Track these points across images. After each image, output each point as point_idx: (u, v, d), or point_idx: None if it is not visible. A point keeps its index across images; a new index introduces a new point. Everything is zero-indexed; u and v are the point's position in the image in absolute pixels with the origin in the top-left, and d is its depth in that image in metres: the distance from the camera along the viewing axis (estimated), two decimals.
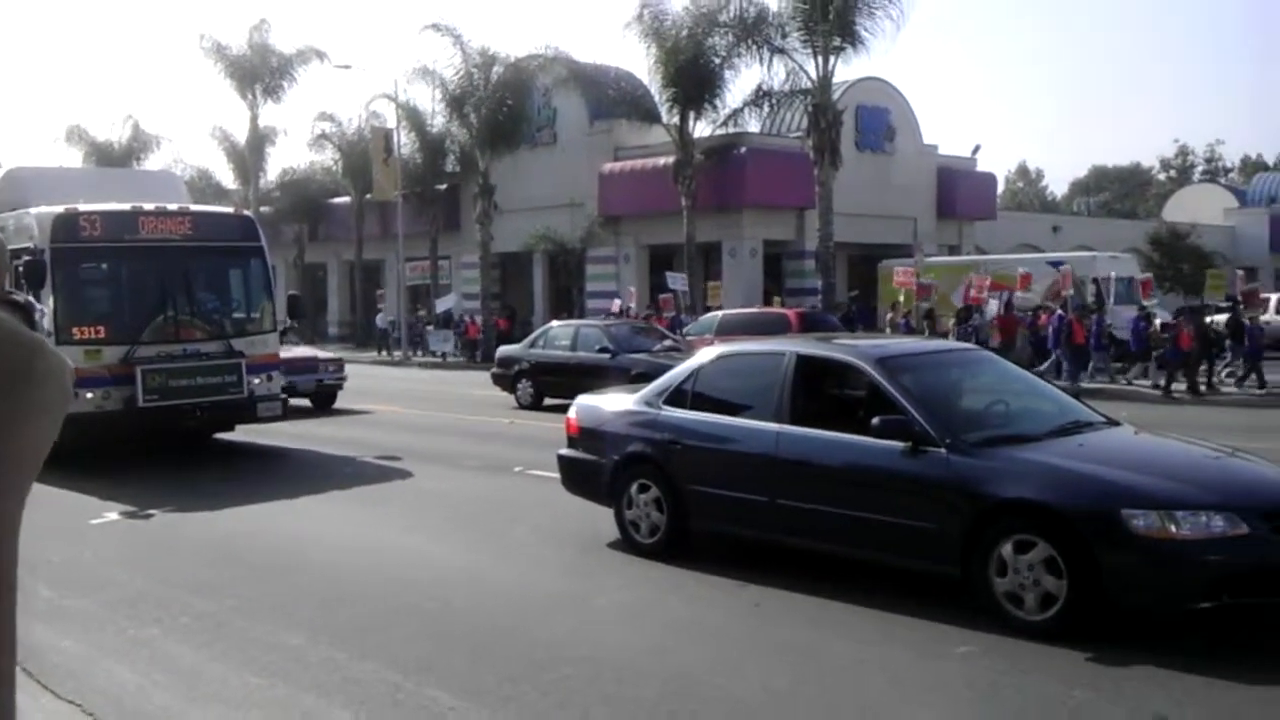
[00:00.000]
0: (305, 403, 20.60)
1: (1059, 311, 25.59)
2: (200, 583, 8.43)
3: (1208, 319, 24.48)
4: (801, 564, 8.13)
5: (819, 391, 8.66)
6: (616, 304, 34.40)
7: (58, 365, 0.65)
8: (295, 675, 6.27)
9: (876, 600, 7.39)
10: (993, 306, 27.37)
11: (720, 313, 28.38)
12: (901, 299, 29.39)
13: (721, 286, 34.18)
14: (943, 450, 7.17)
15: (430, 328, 39.72)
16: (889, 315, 28.92)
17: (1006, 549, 6.73)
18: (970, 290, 28.07)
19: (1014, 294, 27.87)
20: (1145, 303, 25.75)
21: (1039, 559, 6.62)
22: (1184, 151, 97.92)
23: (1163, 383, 22.76)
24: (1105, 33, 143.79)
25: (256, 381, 14.69)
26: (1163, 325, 23.17)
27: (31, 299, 0.96)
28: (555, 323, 24.19)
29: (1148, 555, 6.36)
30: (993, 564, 6.79)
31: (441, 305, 40.77)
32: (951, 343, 10.76)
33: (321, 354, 23.52)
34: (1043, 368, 25.58)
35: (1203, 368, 23.20)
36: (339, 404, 21.44)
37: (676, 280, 33.36)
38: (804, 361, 8.45)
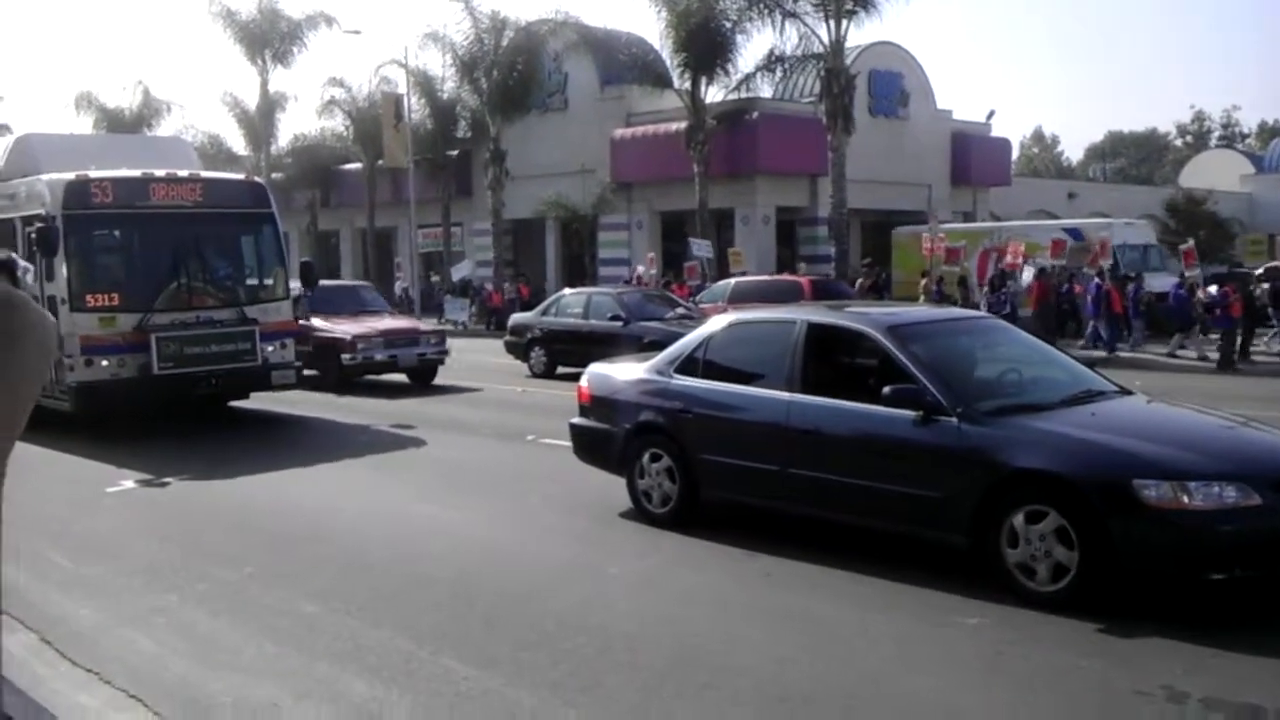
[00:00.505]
0: (400, 378, 19.89)
1: (1096, 280, 25.34)
2: (216, 551, 8.50)
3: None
4: (812, 533, 8.15)
5: (830, 360, 8.65)
6: (640, 269, 34.02)
7: (36, 321, 0.64)
8: (310, 643, 6.33)
9: (886, 570, 7.41)
10: (1027, 274, 27.09)
11: (733, 280, 28.29)
12: (931, 266, 29.05)
13: (743, 252, 33.91)
14: (954, 419, 7.17)
15: (448, 295, 39.61)
16: (923, 282, 28.51)
17: (1018, 519, 6.74)
18: (1006, 257, 27.85)
19: (1050, 261, 27.63)
20: (1188, 272, 25.38)
21: (1050, 529, 6.62)
22: (1200, 117, 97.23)
23: (1217, 353, 22.22)
24: None
25: (270, 349, 14.74)
26: (1219, 293, 22.51)
27: (14, 256, 0.95)
28: (568, 290, 24.15)
29: (1159, 526, 6.35)
30: (1004, 534, 6.79)
31: (457, 273, 40.65)
32: (964, 311, 10.73)
33: (423, 325, 22.33)
34: (1083, 339, 25.44)
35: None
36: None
37: (700, 247, 33.03)
38: (815, 330, 8.43)
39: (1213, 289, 23.15)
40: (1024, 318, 24.52)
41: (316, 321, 18.73)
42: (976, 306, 23.09)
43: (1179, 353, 23.59)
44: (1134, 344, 24.44)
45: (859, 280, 30.10)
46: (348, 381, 18.89)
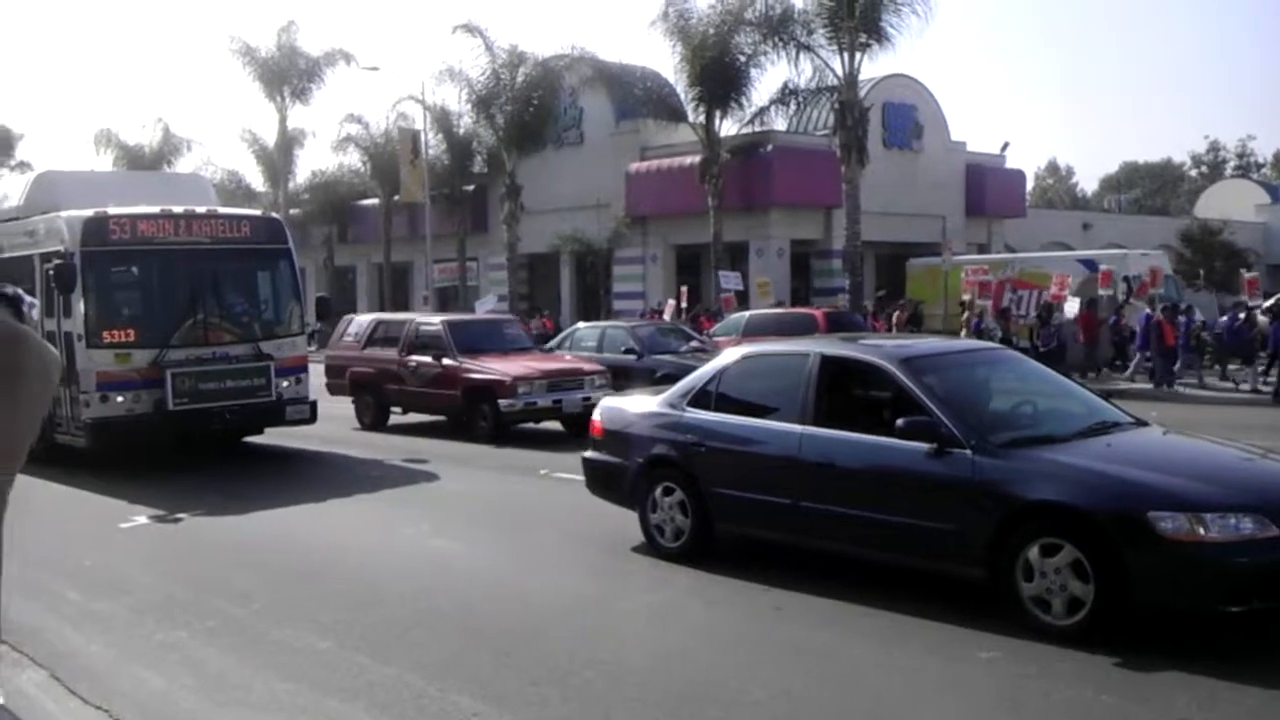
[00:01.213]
0: (556, 425, 17.36)
1: (1147, 311, 25.01)
2: (228, 586, 8.49)
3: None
4: (825, 567, 8.09)
5: (843, 392, 8.61)
6: (670, 305, 33.63)
7: (38, 355, 0.63)
8: (321, 679, 6.30)
9: (899, 604, 7.35)
10: (1074, 305, 26.77)
11: (748, 313, 28.24)
12: (967, 299, 28.18)
13: (771, 283, 33.50)
14: (968, 451, 7.12)
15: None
16: (964, 315, 27.81)
17: (1033, 552, 6.68)
18: (1051, 289, 27.47)
19: (1101, 292, 27.28)
20: (1251, 302, 24.96)
21: (1066, 562, 6.56)
22: (1215, 147, 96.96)
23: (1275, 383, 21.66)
24: (1136, 29, 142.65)
25: (285, 384, 14.78)
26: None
27: (20, 291, 0.94)
28: (582, 324, 24.14)
29: (1176, 558, 6.29)
30: (1019, 567, 6.73)
31: (481, 307, 40.26)
32: (977, 342, 10.69)
33: (586, 364, 18.04)
34: (1129, 370, 25.17)
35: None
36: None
37: (730, 279, 32.76)
38: (828, 362, 8.41)
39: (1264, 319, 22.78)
40: (1073, 350, 24.34)
41: (464, 361, 16.95)
42: (1010, 341, 22.72)
43: (1231, 384, 23.19)
44: (1182, 376, 24.08)
45: (895, 313, 29.41)
46: (505, 432, 16.54)
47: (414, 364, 17.80)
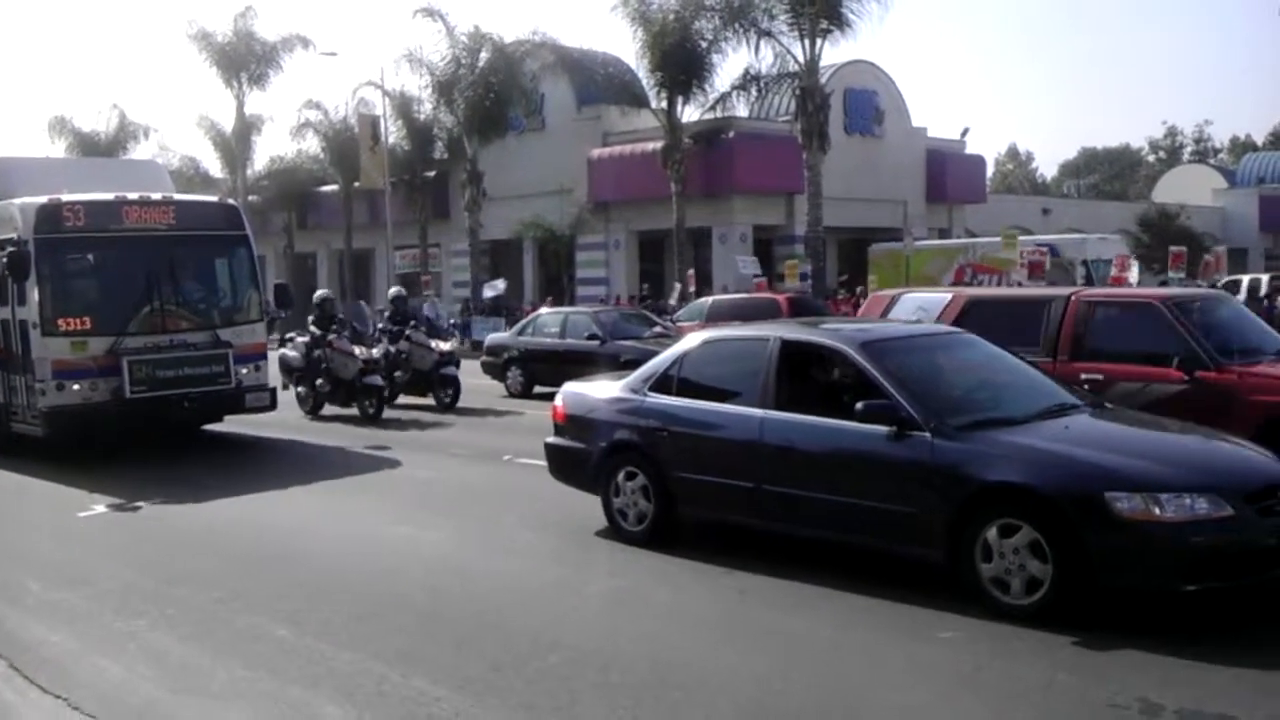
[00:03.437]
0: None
1: None
2: (188, 574, 8.43)
3: None
4: (787, 550, 8.14)
5: (804, 376, 8.64)
6: (677, 288, 33.02)
7: None
8: (282, 667, 6.27)
9: (860, 585, 7.40)
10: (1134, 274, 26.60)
11: (711, 298, 28.26)
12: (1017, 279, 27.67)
13: (799, 264, 32.65)
14: (927, 434, 7.17)
15: (476, 316, 37.63)
16: None
17: (991, 533, 6.75)
18: (1111, 272, 27.37)
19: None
20: (1214, 280, 25.06)
21: (1024, 543, 6.63)
22: (1173, 132, 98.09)
23: None
24: (1094, 14, 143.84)
25: (244, 371, 14.66)
26: None
27: None
28: (544, 309, 24.10)
29: (1132, 538, 6.37)
30: (978, 548, 6.80)
31: (489, 291, 39.01)
32: (936, 326, 10.62)
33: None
34: None
35: None
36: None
37: (747, 264, 32.52)
38: (789, 346, 8.44)
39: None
40: None
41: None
42: None
43: None
44: None
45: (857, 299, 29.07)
46: None
47: None
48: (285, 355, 18.70)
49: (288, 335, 18.83)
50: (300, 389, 18.73)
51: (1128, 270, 27.15)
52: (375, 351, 18.00)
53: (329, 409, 18.41)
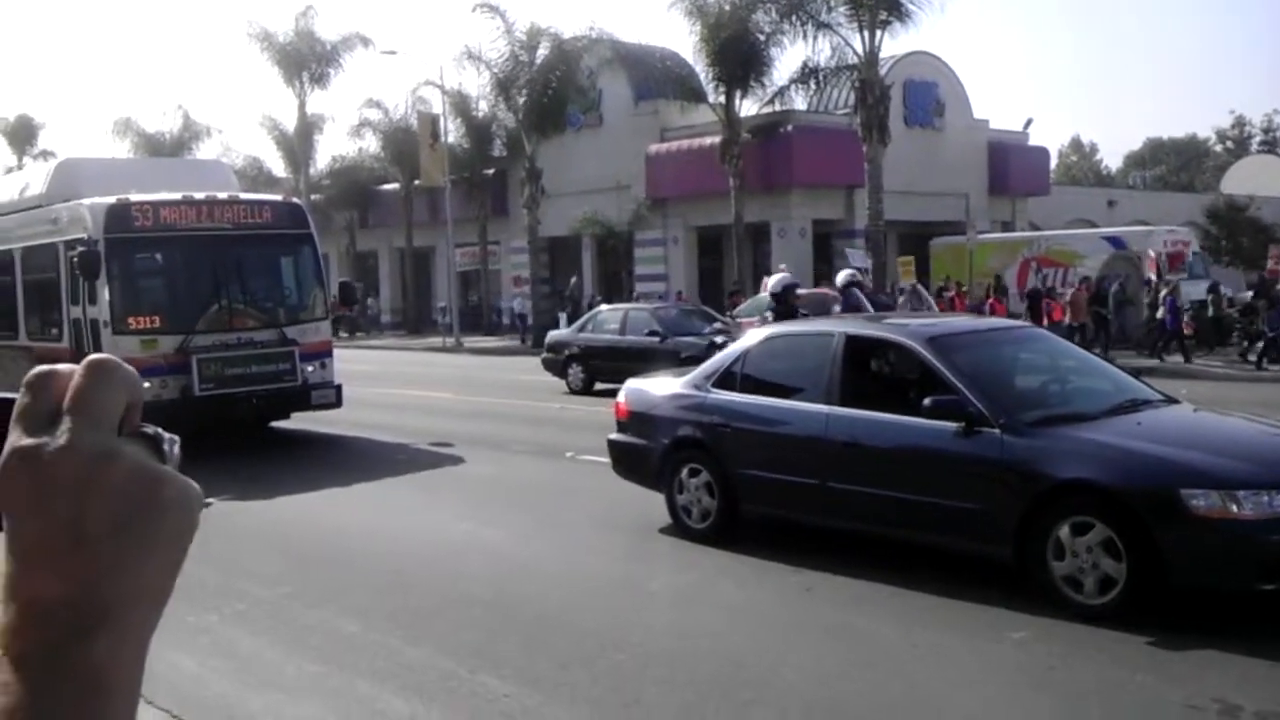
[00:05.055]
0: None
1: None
2: (256, 571, 8.53)
3: None
4: (853, 547, 8.06)
5: (869, 372, 8.58)
6: (768, 281, 32.28)
7: (182, 492, 0.63)
8: (350, 662, 6.32)
9: (928, 584, 7.32)
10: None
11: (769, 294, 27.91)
12: (1154, 277, 27.16)
13: (912, 263, 30.67)
14: (997, 430, 7.08)
15: (563, 314, 35.72)
16: (1162, 294, 25.33)
17: (1064, 531, 6.64)
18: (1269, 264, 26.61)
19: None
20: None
21: (1097, 541, 6.52)
22: (1240, 122, 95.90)
23: None
24: (1160, 4, 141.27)
25: (310, 369, 14.81)
26: None
27: (160, 430, 0.91)
28: (604, 306, 24.11)
29: (1208, 536, 6.24)
30: (1050, 547, 6.69)
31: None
32: (1004, 320, 10.50)
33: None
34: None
35: None
36: (379, 392, 21.50)
37: (856, 257, 31.35)
38: (853, 342, 8.37)
39: None
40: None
41: None
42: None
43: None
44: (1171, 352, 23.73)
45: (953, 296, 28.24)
46: None
47: None
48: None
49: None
50: None
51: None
52: None
53: None
